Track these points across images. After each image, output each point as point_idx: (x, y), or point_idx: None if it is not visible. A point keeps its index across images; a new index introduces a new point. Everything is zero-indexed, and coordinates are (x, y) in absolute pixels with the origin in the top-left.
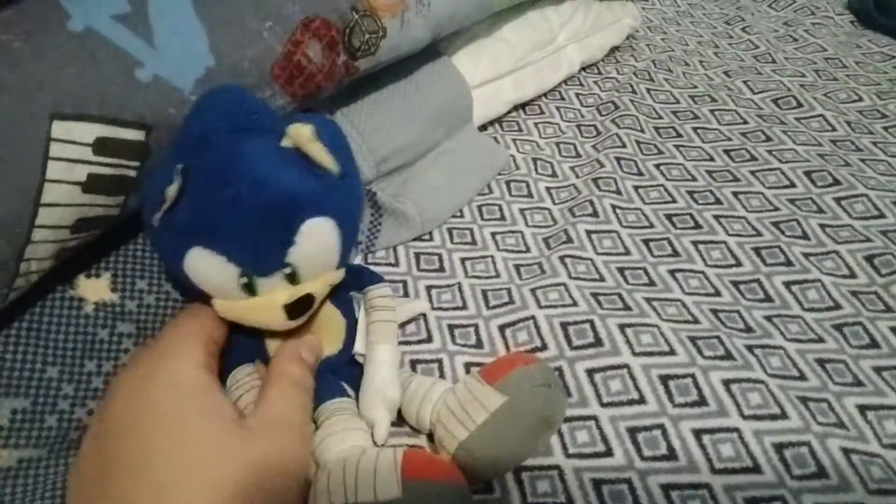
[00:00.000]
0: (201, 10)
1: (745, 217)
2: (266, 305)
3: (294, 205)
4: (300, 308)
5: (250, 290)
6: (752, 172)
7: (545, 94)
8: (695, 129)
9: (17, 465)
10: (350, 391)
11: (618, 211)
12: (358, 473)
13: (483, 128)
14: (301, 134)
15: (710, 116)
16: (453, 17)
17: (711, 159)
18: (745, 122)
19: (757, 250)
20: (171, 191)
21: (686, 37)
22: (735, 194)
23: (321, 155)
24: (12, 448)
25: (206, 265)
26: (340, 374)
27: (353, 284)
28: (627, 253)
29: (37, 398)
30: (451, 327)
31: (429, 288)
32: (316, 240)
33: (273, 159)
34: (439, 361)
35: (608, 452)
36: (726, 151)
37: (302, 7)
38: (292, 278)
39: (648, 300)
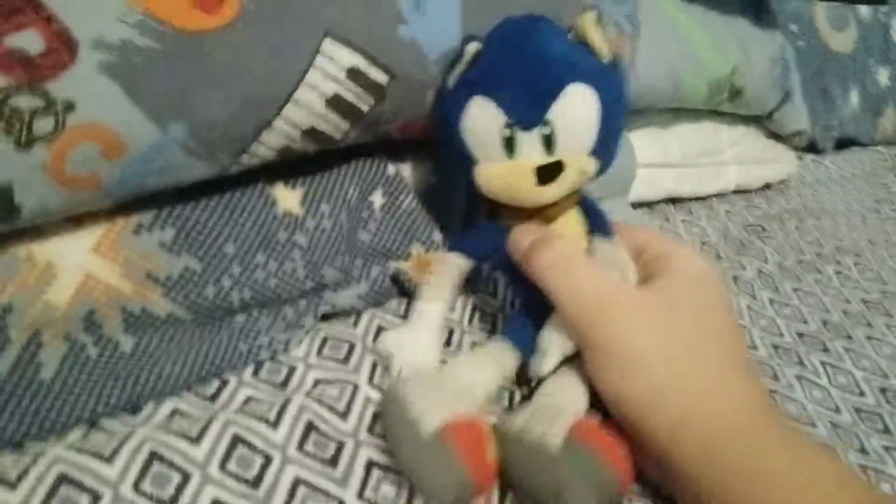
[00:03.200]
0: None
1: (875, 359)
2: (520, 168)
3: (566, 66)
4: (550, 173)
5: (510, 147)
6: (888, 326)
7: (696, 199)
8: (836, 272)
9: (165, 316)
10: None
11: (751, 312)
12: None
13: (633, 207)
14: (587, 17)
15: (852, 267)
16: (652, 92)
17: (848, 301)
18: (886, 284)
19: (883, 390)
20: (472, 48)
21: (836, 199)
22: (868, 338)
23: (599, 38)
24: (170, 300)
25: (481, 113)
26: None
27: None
28: (755, 348)
29: (208, 265)
30: None
31: None
32: (577, 104)
33: (560, 35)
34: None
35: None
36: (864, 301)
37: None
38: (548, 144)
39: (771, 391)
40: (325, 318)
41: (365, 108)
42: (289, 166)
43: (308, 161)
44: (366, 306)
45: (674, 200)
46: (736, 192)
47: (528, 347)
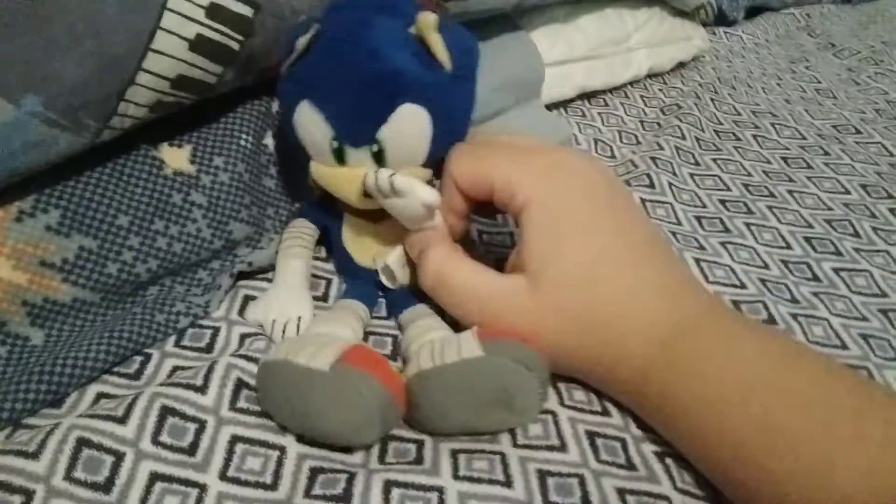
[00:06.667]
0: None
1: (799, 211)
2: (348, 177)
3: (397, 84)
4: None
5: (340, 157)
6: (809, 178)
7: (611, 91)
8: (755, 136)
9: (71, 302)
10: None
11: (673, 188)
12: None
13: (548, 108)
14: (424, 20)
15: (770, 129)
16: None
17: (768, 162)
18: (804, 139)
19: (808, 239)
20: (301, 42)
21: (751, 67)
22: (790, 192)
23: (437, 45)
24: (71, 284)
25: (309, 121)
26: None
27: None
28: (679, 223)
29: (104, 241)
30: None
31: (480, 233)
32: (408, 126)
33: (395, 37)
34: None
35: None
36: (784, 158)
37: None
38: (379, 158)
39: (697, 260)
40: (244, 276)
41: (234, 47)
42: (171, 124)
43: (191, 115)
44: None
45: (589, 96)
46: (650, 76)
47: (372, 302)
